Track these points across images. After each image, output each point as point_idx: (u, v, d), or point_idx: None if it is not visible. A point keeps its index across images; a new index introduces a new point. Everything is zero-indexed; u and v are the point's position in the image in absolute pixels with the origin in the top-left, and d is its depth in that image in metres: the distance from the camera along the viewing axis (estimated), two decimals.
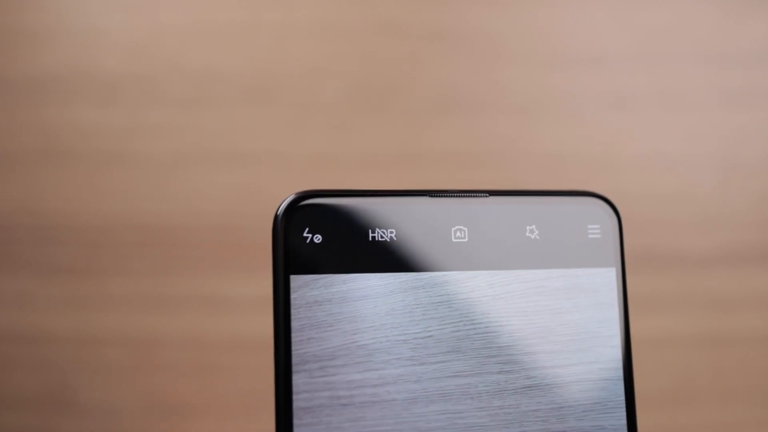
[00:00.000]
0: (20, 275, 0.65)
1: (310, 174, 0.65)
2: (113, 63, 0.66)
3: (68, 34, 0.66)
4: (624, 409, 0.30)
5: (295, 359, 0.27)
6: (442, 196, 0.30)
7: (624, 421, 0.30)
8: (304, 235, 0.28)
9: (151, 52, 0.66)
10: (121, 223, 0.65)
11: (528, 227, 0.30)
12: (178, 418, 0.64)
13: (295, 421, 0.27)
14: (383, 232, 0.29)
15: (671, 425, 0.64)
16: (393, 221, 0.29)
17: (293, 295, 0.28)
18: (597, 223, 0.31)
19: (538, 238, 0.30)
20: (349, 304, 0.28)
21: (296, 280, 0.28)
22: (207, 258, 0.65)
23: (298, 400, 0.27)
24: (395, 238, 0.29)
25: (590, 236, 0.31)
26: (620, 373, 0.30)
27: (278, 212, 0.28)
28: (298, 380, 0.27)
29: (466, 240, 0.30)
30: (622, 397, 0.30)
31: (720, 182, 0.66)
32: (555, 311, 0.30)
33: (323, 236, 0.28)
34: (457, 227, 0.30)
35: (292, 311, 0.28)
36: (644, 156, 0.66)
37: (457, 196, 0.30)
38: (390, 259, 0.29)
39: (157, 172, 0.65)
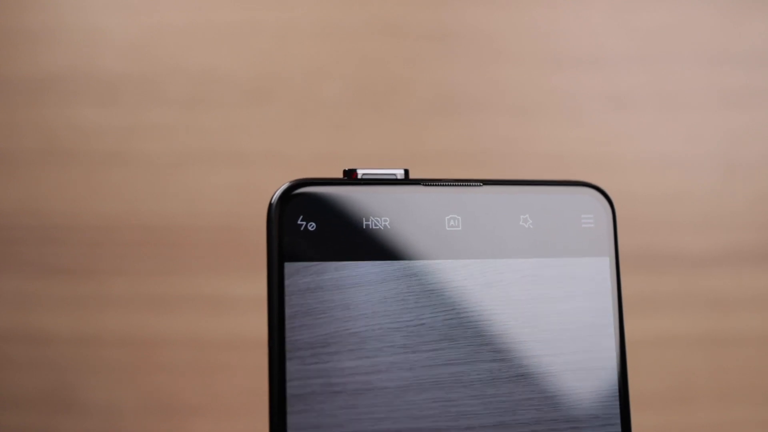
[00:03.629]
0: (20, 275, 0.65)
1: (310, 174, 0.65)
2: (113, 63, 0.66)
3: (68, 34, 0.66)
4: (617, 399, 0.30)
5: (288, 346, 0.27)
6: (436, 185, 0.30)
7: (617, 411, 0.30)
8: (299, 222, 0.28)
9: (151, 52, 0.66)
10: (121, 223, 0.65)
11: (522, 216, 0.30)
12: (179, 418, 0.64)
13: (289, 408, 0.27)
14: (377, 221, 0.29)
15: (670, 425, 0.64)
16: (387, 210, 0.29)
17: (287, 282, 0.28)
18: (590, 212, 0.31)
19: (531, 227, 0.30)
20: (342, 291, 0.28)
21: (290, 268, 0.28)
22: (207, 258, 0.65)
23: (292, 387, 0.27)
24: (389, 227, 0.29)
25: (584, 226, 0.31)
26: (614, 362, 0.30)
27: (272, 200, 0.28)
28: (291, 367, 0.27)
29: (459, 229, 0.30)
30: (616, 387, 0.30)
31: (720, 182, 0.66)
32: (548, 300, 0.30)
33: (317, 224, 0.28)
34: (450, 216, 0.30)
35: (286, 298, 0.28)
36: (644, 156, 0.66)
37: (451, 185, 0.30)
38: (384, 247, 0.29)
39: (157, 172, 0.65)
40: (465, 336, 0.29)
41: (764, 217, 0.66)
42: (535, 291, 0.30)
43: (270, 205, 0.28)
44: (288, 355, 0.27)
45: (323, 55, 0.66)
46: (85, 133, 0.65)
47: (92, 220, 0.65)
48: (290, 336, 0.28)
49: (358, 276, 0.29)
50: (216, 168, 0.65)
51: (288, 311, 0.28)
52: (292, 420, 0.27)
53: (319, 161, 0.65)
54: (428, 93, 0.66)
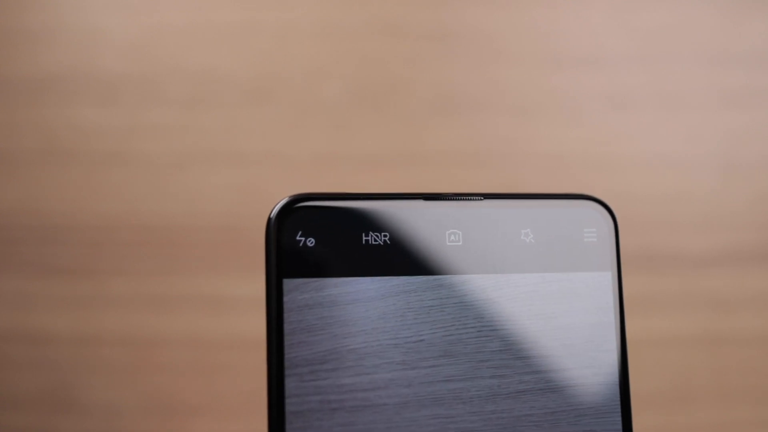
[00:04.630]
0: (20, 275, 0.65)
1: (310, 174, 0.65)
2: (113, 63, 0.66)
3: (68, 34, 0.66)
4: (619, 414, 0.30)
5: (287, 363, 0.27)
6: (436, 200, 0.30)
7: (619, 427, 0.30)
8: (298, 238, 0.28)
9: (151, 52, 0.66)
10: (121, 223, 0.65)
11: (523, 231, 0.30)
12: (179, 418, 0.64)
13: (287, 426, 0.27)
14: (377, 236, 0.29)
15: (671, 425, 0.64)
16: (387, 225, 0.29)
17: (286, 299, 0.28)
18: (593, 226, 0.31)
19: (533, 241, 0.30)
20: (341, 307, 0.28)
21: (289, 284, 0.28)
22: (206, 258, 0.65)
23: (290, 404, 0.27)
24: (389, 242, 0.29)
25: (586, 240, 0.31)
26: (615, 378, 0.30)
27: (271, 215, 0.28)
28: (290, 384, 0.27)
29: (460, 244, 0.30)
30: (618, 402, 0.30)
31: (720, 182, 0.66)
32: (549, 316, 0.30)
33: (316, 239, 0.28)
34: (451, 231, 0.30)
35: (285, 314, 0.28)
36: (644, 156, 0.66)
37: (451, 200, 0.30)
38: (384, 262, 0.29)
39: (157, 172, 0.65)
40: (464, 352, 0.29)
41: (764, 217, 0.66)
42: (536, 306, 0.30)
43: (269, 220, 0.28)
44: (286, 372, 0.27)
45: (323, 55, 0.66)
46: (85, 133, 0.65)
47: (92, 220, 0.65)
48: (289, 353, 0.27)
49: (357, 292, 0.28)
50: (216, 168, 0.65)
51: (287, 328, 0.28)
52: None
53: (319, 161, 0.65)
54: (428, 93, 0.66)
